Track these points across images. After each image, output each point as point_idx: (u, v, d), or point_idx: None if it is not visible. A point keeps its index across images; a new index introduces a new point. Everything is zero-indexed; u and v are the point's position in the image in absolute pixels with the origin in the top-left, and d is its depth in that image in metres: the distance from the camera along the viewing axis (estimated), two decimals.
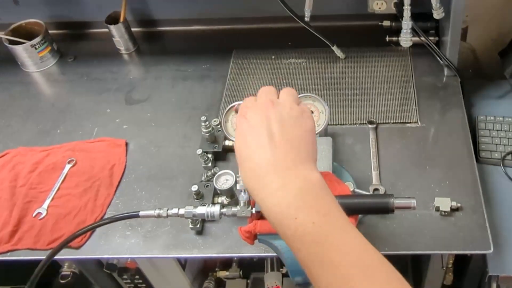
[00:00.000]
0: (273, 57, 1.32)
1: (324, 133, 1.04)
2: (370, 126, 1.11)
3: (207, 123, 1.05)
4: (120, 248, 0.96)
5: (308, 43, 1.29)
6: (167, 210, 0.79)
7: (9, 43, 1.34)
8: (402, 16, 1.15)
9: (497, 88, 1.25)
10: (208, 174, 1.03)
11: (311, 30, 1.21)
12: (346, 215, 0.57)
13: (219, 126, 1.09)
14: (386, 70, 1.25)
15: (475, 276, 1.09)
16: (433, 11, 1.09)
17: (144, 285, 1.22)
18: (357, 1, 1.32)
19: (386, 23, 1.31)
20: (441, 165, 1.02)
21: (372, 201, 0.80)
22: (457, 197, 0.95)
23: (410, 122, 1.12)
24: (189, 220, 0.95)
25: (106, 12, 1.35)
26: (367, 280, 0.51)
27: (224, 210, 0.78)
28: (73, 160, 1.10)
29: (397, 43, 1.23)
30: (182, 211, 0.79)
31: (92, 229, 0.96)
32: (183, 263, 1.18)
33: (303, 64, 1.29)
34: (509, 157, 1.08)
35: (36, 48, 1.34)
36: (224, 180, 0.95)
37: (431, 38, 1.23)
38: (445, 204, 0.94)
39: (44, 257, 0.81)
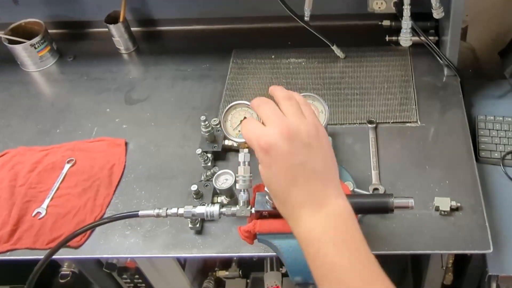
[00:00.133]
0: (273, 56, 1.32)
1: None
2: (369, 125, 1.11)
3: (206, 122, 1.04)
4: (119, 247, 0.96)
5: (308, 43, 1.29)
6: (167, 210, 0.79)
7: (9, 43, 1.34)
8: (401, 16, 1.15)
9: (497, 88, 1.25)
10: (207, 174, 1.03)
11: (311, 30, 1.21)
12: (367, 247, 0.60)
13: (218, 126, 1.08)
14: (386, 70, 1.25)
15: (474, 276, 1.09)
16: (433, 11, 1.09)
17: (143, 284, 1.22)
18: (357, 0, 1.32)
19: (386, 22, 1.31)
20: (440, 164, 1.02)
21: (371, 201, 0.80)
22: (457, 196, 0.95)
23: (410, 122, 1.12)
24: (189, 219, 0.95)
25: (105, 12, 1.35)
26: None
27: (223, 209, 0.78)
28: (72, 160, 1.10)
29: (397, 43, 1.23)
30: (181, 210, 0.79)
31: (91, 228, 0.96)
32: (182, 263, 1.18)
33: (303, 63, 1.29)
34: (509, 156, 1.08)
35: (35, 48, 1.34)
36: (224, 179, 0.95)
37: (431, 37, 1.23)
38: (444, 203, 0.94)
39: (43, 257, 0.81)
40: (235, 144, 1.06)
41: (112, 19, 1.35)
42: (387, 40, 1.30)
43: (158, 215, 0.79)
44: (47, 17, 1.42)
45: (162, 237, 0.97)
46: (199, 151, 1.03)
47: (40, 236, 0.98)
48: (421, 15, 1.18)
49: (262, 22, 1.40)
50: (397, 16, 1.22)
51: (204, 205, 0.79)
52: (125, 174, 1.09)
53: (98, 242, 0.97)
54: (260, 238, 0.72)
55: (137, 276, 1.18)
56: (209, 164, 1.05)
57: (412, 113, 1.13)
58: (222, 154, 1.08)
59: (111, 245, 0.97)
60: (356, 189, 0.96)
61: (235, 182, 0.91)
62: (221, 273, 1.28)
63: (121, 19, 1.34)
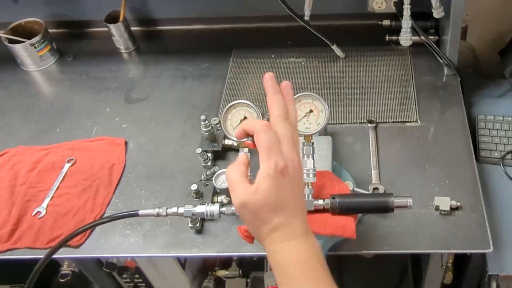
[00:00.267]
0: (273, 56, 1.32)
1: (324, 132, 1.04)
2: (369, 125, 1.11)
3: (206, 122, 1.04)
4: (119, 247, 0.96)
5: (308, 42, 1.29)
6: (167, 209, 0.79)
7: (9, 42, 1.34)
8: (402, 15, 1.15)
9: (497, 87, 1.25)
10: (207, 173, 1.03)
11: (311, 29, 1.21)
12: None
13: (218, 125, 1.09)
14: (386, 69, 1.25)
15: (474, 275, 1.09)
16: (433, 10, 1.09)
17: (143, 284, 1.21)
18: (357, 0, 1.32)
19: (386, 22, 1.31)
20: (440, 164, 1.02)
21: (371, 200, 0.80)
22: (457, 196, 0.95)
23: (410, 121, 1.12)
24: (189, 219, 0.95)
25: (105, 11, 1.35)
26: None
27: (223, 209, 0.78)
28: (72, 159, 1.10)
29: (397, 42, 1.23)
30: (181, 210, 0.79)
31: (91, 227, 0.96)
32: (182, 262, 1.17)
33: (303, 63, 1.29)
34: (508, 156, 1.08)
35: (35, 47, 1.34)
36: (224, 179, 0.95)
37: (431, 37, 1.23)
38: (444, 203, 0.94)
39: (43, 256, 0.81)
40: (235, 144, 1.06)
41: (112, 18, 1.35)
42: (387, 39, 1.30)
43: (158, 215, 0.79)
44: (47, 16, 1.42)
45: (162, 237, 0.97)
46: (199, 150, 1.03)
47: (40, 236, 0.98)
48: (421, 15, 1.18)
49: (262, 21, 1.40)
50: (397, 16, 1.22)
51: (204, 204, 0.79)
52: (125, 173, 1.08)
53: (98, 242, 0.97)
54: None
55: (137, 276, 1.18)
56: (209, 163, 1.05)
57: (412, 113, 1.13)
58: (222, 154, 1.08)
59: (111, 244, 0.97)
60: (356, 189, 0.96)
61: None
62: (221, 273, 1.28)
63: (121, 18, 1.34)
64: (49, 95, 1.32)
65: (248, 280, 1.30)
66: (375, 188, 0.99)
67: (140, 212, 0.80)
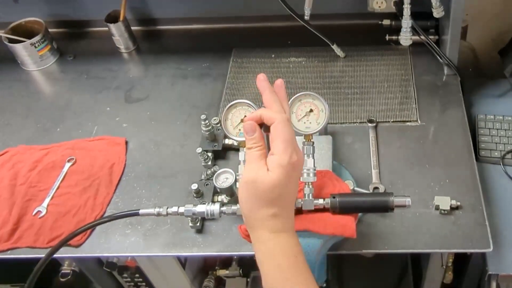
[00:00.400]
0: (273, 55, 1.32)
1: (324, 131, 1.04)
2: (370, 124, 1.11)
3: (207, 121, 1.05)
4: (120, 246, 0.96)
5: (308, 42, 1.29)
6: (167, 209, 0.79)
7: (9, 42, 1.34)
8: (402, 15, 1.15)
9: (497, 87, 1.25)
10: (208, 173, 1.03)
11: (311, 29, 1.21)
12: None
13: (219, 125, 1.09)
14: (386, 69, 1.25)
15: (474, 274, 1.09)
16: (433, 10, 1.09)
17: (144, 283, 1.22)
18: (357, 0, 1.32)
19: (386, 22, 1.31)
20: (441, 163, 1.02)
21: (372, 200, 0.80)
22: (457, 195, 0.95)
23: (410, 121, 1.12)
24: (189, 218, 0.95)
25: (106, 11, 1.35)
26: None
27: (224, 208, 0.78)
28: (72, 159, 1.10)
29: (397, 42, 1.23)
30: (182, 209, 0.79)
31: (92, 227, 0.96)
32: (183, 262, 1.17)
33: (303, 63, 1.29)
34: (508, 156, 1.08)
35: (36, 47, 1.34)
36: (224, 178, 0.95)
37: (431, 37, 1.23)
38: (444, 202, 0.94)
39: (43, 255, 0.81)
40: (235, 143, 1.06)
41: (112, 18, 1.35)
42: (387, 39, 1.31)
43: (158, 214, 0.79)
44: (47, 16, 1.42)
45: (162, 236, 0.97)
46: (199, 150, 1.03)
47: (40, 235, 0.98)
48: (421, 14, 1.18)
49: (262, 21, 1.40)
50: (397, 15, 1.22)
51: (204, 204, 0.79)
52: (125, 173, 1.09)
53: (99, 241, 0.97)
54: None
55: (137, 275, 1.18)
56: (210, 163, 1.05)
57: (412, 112, 1.13)
58: (222, 153, 1.08)
59: (111, 244, 0.97)
60: (356, 188, 0.96)
61: (236, 181, 0.92)
62: (222, 272, 1.28)
63: (121, 18, 1.34)
64: (50, 94, 1.32)
65: (248, 279, 1.30)
66: (375, 188, 1.00)
67: (141, 211, 0.80)
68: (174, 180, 1.06)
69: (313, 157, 0.78)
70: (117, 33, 1.36)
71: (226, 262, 1.29)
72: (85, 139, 1.16)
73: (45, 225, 0.99)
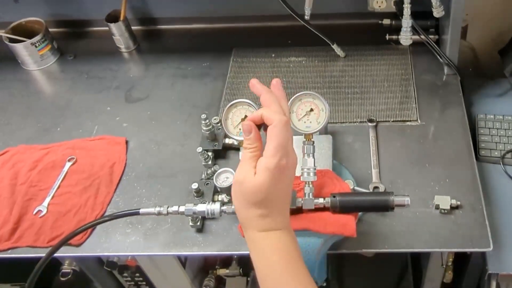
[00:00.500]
0: (273, 55, 1.32)
1: (324, 131, 1.04)
2: (370, 124, 1.11)
3: (207, 121, 1.05)
4: (120, 246, 0.96)
5: (308, 42, 1.29)
6: (168, 208, 0.79)
7: (10, 41, 1.34)
8: (402, 15, 1.15)
9: (497, 87, 1.25)
10: (208, 172, 1.03)
11: (311, 29, 1.21)
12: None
13: (219, 124, 1.09)
14: (386, 69, 1.25)
15: (474, 274, 1.09)
16: (433, 10, 1.09)
17: (144, 283, 1.22)
18: None
19: (386, 21, 1.31)
20: (441, 163, 1.02)
21: (372, 199, 0.80)
22: (457, 195, 0.96)
23: (410, 120, 1.12)
24: (189, 217, 0.95)
25: (106, 11, 1.35)
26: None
27: (224, 207, 0.79)
28: (73, 158, 1.11)
29: (397, 42, 1.23)
30: (182, 208, 0.79)
31: (92, 226, 0.97)
32: (183, 261, 1.17)
33: (303, 62, 1.29)
34: (508, 155, 1.08)
35: (36, 46, 1.34)
36: (224, 178, 0.95)
37: (431, 36, 1.23)
38: (444, 202, 0.94)
39: (44, 255, 0.81)
40: (235, 143, 1.07)
41: (113, 17, 1.35)
42: (387, 39, 1.31)
43: (159, 213, 0.79)
44: (48, 15, 1.42)
45: (163, 235, 0.97)
46: (199, 149, 1.03)
47: (41, 235, 0.98)
48: (421, 14, 1.18)
49: (262, 20, 1.40)
50: (397, 15, 1.22)
51: (205, 203, 0.79)
52: (125, 172, 1.09)
53: (99, 241, 0.97)
54: None
55: (137, 274, 1.18)
56: (210, 162, 1.05)
57: (412, 112, 1.13)
58: (222, 153, 1.08)
59: (112, 243, 0.97)
60: (356, 187, 0.97)
61: None
62: (222, 271, 1.28)
63: (121, 17, 1.34)
64: (50, 94, 1.32)
65: (248, 278, 1.30)
66: (376, 187, 1.00)
67: (141, 210, 0.80)
68: (174, 180, 1.06)
69: (313, 156, 0.78)
70: (118, 32, 1.36)
71: (226, 261, 1.29)
72: (86, 139, 1.16)
73: (46, 225, 1.00)
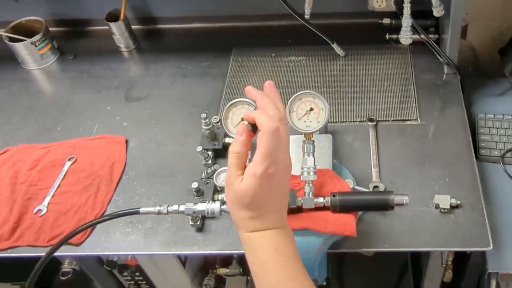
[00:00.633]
0: (273, 54, 1.32)
1: (324, 130, 1.04)
2: (370, 123, 1.11)
3: (207, 120, 1.05)
4: (120, 245, 0.96)
5: (308, 41, 1.29)
6: (168, 207, 0.79)
7: (9, 41, 1.34)
8: (402, 14, 1.15)
9: (497, 86, 1.25)
10: (208, 171, 1.03)
11: (311, 28, 1.21)
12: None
13: (219, 124, 1.09)
14: (386, 68, 1.25)
15: (474, 273, 1.09)
16: (433, 9, 1.09)
17: (144, 282, 1.22)
18: None
19: (386, 21, 1.31)
20: (440, 162, 1.02)
21: (372, 198, 0.80)
22: (457, 194, 0.96)
23: (410, 120, 1.12)
24: (189, 217, 0.95)
25: (106, 10, 1.35)
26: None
27: (224, 207, 0.79)
28: (73, 157, 1.11)
29: (397, 41, 1.23)
30: (182, 207, 0.79)
31: (92, 225, 0.97)
32: (183, 260, 1.18)
33: (303, 61, 1.29)
34: (508, 154, 1.09)
35: (36, 46, 1.34)
36: (224, 177, 0.95)
37: (431, 36, 1.23)
38: (444, 201, 0.94)
39: (44, 254, 0.81)
40: None
41: (113, 17, 1.35)
42: (387, 38, 1.31)
43: (159, 212, 0.79)
44: (48, 15, 1.42)
45: (163, 234, 0.97)
46: (199, 148, 1.03)
47: (41, 234, 0.98)
48: (421, 13, 1.18)
49: (262, 20, 1.41)
50: (397, 14, 1.22)
51: (205, 202, 0.79)
52: (125, 171, 1.09)
53: (99, 240, 0.98)
54: None
55: (137, 274, 1.18)
56: (210, 161, 1.05)
57: (412, 111, 1.14)
58: (222, 152, 1.08)
59: (112, 242, 0.97)
60: (356, 187, 0.97)
61: None
62: (222, 271, 1.28)
63: (121, 17, 1.34)
64: (50, 93, 1.32)
65: (248, 278, 1.30)
66: (375, 186, 1.00)
67: (141, 210, 0.80)
68: (174, 179, 1.06)
69: (313, 155, 0.78)
70: (118, 32, 1.36)
71: (226, 260, 1.29)
72: (86, 138, 1.16)
73: (46, 224, 1.00)
